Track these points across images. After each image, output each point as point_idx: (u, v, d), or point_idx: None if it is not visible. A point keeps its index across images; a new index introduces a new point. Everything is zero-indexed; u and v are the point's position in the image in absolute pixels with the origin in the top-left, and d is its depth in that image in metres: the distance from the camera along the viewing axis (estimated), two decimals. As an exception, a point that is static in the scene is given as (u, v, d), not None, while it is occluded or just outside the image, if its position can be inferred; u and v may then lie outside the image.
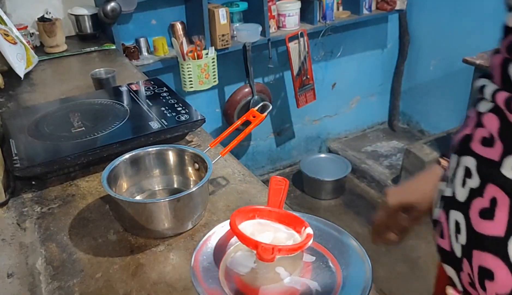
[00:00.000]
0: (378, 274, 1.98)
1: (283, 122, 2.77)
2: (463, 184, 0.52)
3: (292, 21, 2.29)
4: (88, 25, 1.82)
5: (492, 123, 0.49)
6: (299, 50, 2.37)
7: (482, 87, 0.51)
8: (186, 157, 0.82)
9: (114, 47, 1.77)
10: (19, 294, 0.64)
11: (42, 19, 1.68)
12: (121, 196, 0.73)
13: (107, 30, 1.86)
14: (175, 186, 0.85)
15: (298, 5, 2.28)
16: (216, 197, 0.83)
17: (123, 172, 0.80)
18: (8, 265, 0.70)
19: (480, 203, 0.49)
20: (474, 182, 0.50)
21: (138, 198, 0.82)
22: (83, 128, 0.98)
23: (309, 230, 0.59)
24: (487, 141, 0.49)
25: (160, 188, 0.85)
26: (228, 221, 0.60)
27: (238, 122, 0.80)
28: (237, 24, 2.21)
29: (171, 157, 0.83)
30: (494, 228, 0.48)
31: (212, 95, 2.41)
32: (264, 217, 0.63)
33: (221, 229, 0.63)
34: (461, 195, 0.52)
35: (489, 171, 0.49)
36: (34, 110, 1.09)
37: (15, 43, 1.41)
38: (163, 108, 1.05)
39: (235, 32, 2.18)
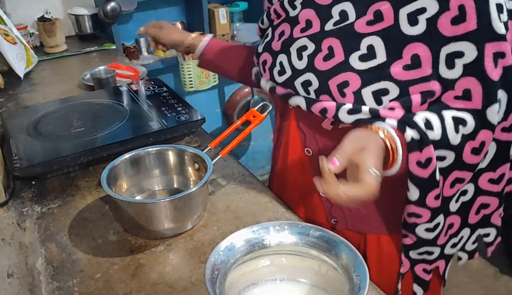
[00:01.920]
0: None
1: (283, 122, 2.76)
2: None
3: (292, 21, 2.28)
4: (88, 25, 1.82)
5: None
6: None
7: None
8: (186, 157, 0.82)
9: (114, 47, 1.77)
10: (19, 294, 0.64)
11: (42, 19, 1.68)
12: (121, 196, 0.73)
13: (107, 30, 1.86)
14: (175, 186, 0.84)
15: (298, 5, 2.27)
16: (216, 197, 0.83)
17: (123, 172, 0.80)
18: (8, 265, 0.69)
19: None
20: None
21: (138, 198, 0.82)
22: (83, 128, 0.98)
23: None
24: None
25: (160, 188, 0.85)
26: None
27: (238, 122, 0.80)
28: (237, 24, 2.21)
29: (171, 157, 0.83)
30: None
31: (212, 95, 2.41)
32: None
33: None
34: None
35: None
36: (34, 110, 1.09)
37: (15, 43, 1.41)
38: (163, 108, 1.05)
39: (235, 32, 2.18)
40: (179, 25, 2.08)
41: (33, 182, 0.89)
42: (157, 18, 2.09)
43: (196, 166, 0.81)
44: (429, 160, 0.62)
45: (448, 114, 0.62)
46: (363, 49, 0.64)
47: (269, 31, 0.78)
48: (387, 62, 0.63)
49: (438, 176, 0.64)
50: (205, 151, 0.78)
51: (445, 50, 0.60)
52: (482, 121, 0.62)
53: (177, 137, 1.01)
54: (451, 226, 0.73)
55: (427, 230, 0.69)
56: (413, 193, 0.65)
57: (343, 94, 0.65)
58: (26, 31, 1.70)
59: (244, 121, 0.82)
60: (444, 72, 0.62)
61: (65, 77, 1.46)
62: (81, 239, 0.74)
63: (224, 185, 0.87)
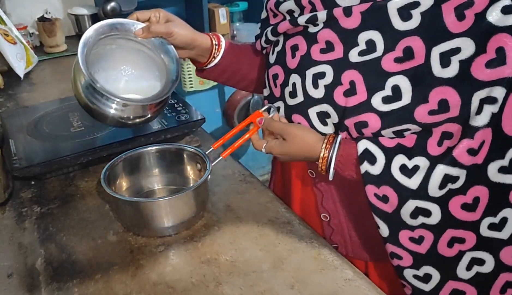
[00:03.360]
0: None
1: (283, 122, 2.76)
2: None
3: (292, 21, 2.28)
4: (88, 25, 1.81)
5: None
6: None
7: None
8: (185, 156, 0.82)
9: (114, 47, 1.76)
10: (19, 294, 0.64)
11: (41, 19, 1.68)
12: (120, 195, 0.73)
13: (107, 30, 1.86)
14: (175, 185, 0.84)
15: (298, 5, 2.27)
16: (216, 197, 0.83)
17: (122, 171, 0.80)
18: (7, 265, 0.69)
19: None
20: None
21: (137, 196, 0.82)
22: (83, 128, 0.97)
23: None
24: None
25: (160, 187, 0.84)
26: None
27: (242, 124, 0.78)
28: (237, 24, 2.21)
29: (171, 156, 0.83)
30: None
31: (212, 95, 2.41)
32: None
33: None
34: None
35: None
36: (33, 110, 1.09)
37: (14, 43, 1.41)
38: (163, 108, 1.04)
39: (235, 32, 2.17)
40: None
41: (33, 182, 0.89)
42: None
43: (198, 166, 0.80)
44: (386, 198, 0.61)
45: (441, 169, 0.58)
46: (387, 90, 0.59)
47: (280, 38, 0.72)
48: (411, 105, 0.58)
49: (406, 218, 0.61)
50: (208, 151, 0.78)
51: (478, 96, 0.56)
52: (478, 176, 0.59)
53: (177, 137, 1.00)
54: (461, 293, 0.66)
55: (417, 278, 0.65)
56: (383, 228, 0.63)
57: (360, 134, 0.63)
58: (26, 31, 1.69)
59: (249, 123, 0.80)
60: (472, 119, 0.57)
61: (65, 77, 1.46)
62: (80, 239, 0.74)
63: (225, 185, 0.87)
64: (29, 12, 1.78)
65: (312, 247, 0.71)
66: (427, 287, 0.66)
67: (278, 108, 0.74)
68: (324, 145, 0.65)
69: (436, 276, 0.65)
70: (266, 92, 0.78)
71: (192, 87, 2.06)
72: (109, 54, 0.79)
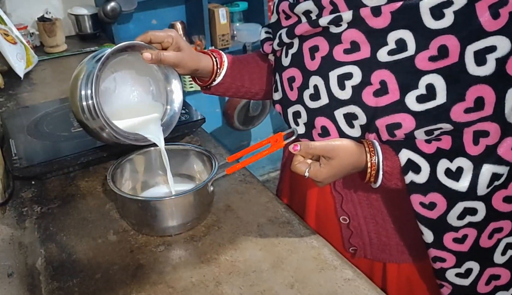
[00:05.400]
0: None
1: (283, 122, 2.76)
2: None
3: (292, 21, 2.28)
4: (88, 25, 1.81)
5: None
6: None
7: None
8: (192, 157, 0.83)
9: (114, 47, 1.76)
10: (19, 294, 0.64)
11: (42, 19, 1.68)
12: (127, 193, 0.74)
13: (107, 30, 1.86)
14: (181, 184, 0.84)
15: (298, 5, 2.27)
16: (216, 197, 0.83)
17: (129, 169, 0.81)
18: (8, 265, 0.69)
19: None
20: None
21: (143, 194, 0.83)
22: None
23: None
24: None
25: (165, 185, 0.84)
26: None
27: (262, 143, 0.74)
28: (237, 24, 2.21)
29: (178, 155, 0.83)
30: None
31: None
32: None
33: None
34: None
35: None
36: (33, 110, 1.09)
37: (15, 43, 1.41)
38: (163, 108, 1.04)
39: (235, 32, 2.18)
40: (179, 25, 2.08)
41: (33, 182, 0.89)
42: (158, 18, 2.10)
43: (201, 166, 0.81)
44: (433, 204, 0.61)
45: (488, 169, 0.59)
46: (421, 89, 0.59)
47: (295, 41, 0.70)
48: (447, 103, 0.58)
49: (453, 220, 0.62)
50: (221, 163, 0.78)
51: None
52: None
53: (177, 137, 1.00)
54: (496, 277, 0.69)
55: (459, 275, 0.66)
56: (427, 235, 0.64)
57: (392, 135, 0.62)
58: (26, 31, 1.69)
59: (267, 143, 0.74)
60: (510, 115, 0.58)
61: (65, 77, 1.46)
62: (81, 239, 0.74)
63: (225, 185, 0.87)
64: (29, 12, 1.78)
65: (312, 247, 0.71)
66: (467, 282, 0.67)
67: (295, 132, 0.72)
68: (368, 150, 0.63)
69: (476, 269, 0.66)
70: (277, 96, 0.76)
71: (192, 87, 2.06)
72: (114, 73, 0.79)
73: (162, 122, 0.79)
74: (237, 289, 0.63)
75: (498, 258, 0.67)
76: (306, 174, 0.64)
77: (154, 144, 0.77)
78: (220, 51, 0.82)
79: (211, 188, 0.75)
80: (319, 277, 0.65)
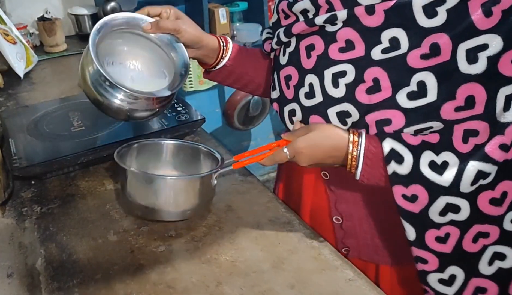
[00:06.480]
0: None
1: (283, 122, 2.76)
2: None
3: (292, 21, 2.28)
4: (88, 25, 1.81)
5: None
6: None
7: None
8: (201, 155, 0.83)
9: (114, 46, 1.76)
10: (19, 294, 0.64)
11: (41, 19, 1.68)
12: (134, 169, 0.76)
13: (107, 30, 1.86)
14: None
15: (298, 5, 2.27)
16: (217, 197, 0.82)
17: (134, 155, 0.81)
18: (8, 265, 0.69)
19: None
20: None
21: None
22: (83, 127, 0.97)
23: None
24: None
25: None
26: None
27: (271, 145, 0.72)
28: (237, 24, 2.21)
29: (184, 152, 0.83)
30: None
31: (212, 95, 2.41)
32: None
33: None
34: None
35: None
36: (33, 109, 1.09)
37: (14, 42, 1.40)
38: (163, 108, 1.04)
39: (235, 32, 2.17)
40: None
41: (33, 182, 0.89)
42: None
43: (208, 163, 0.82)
44: (415, 197, 0.60)
45: (473, 166, 0.58)
46: (413, 86, 0.59)
47: (292, 39, 0.71)
48: (437, 101, 0.58)
49: (435, 216, 0.61)
50: (228, 161, 0.78)
51: (504, 92, 0.57)
52: (507, 171, 0.59)
53: (177, 137, 1.00)
54: (483, 290, 0.66)
55: (442, 282, 0.65)
56: (409, 231, 0.63)
57: (381, 132, 0.62)
58: (26, 30, 1.69)
59: (276, 146, 0.72)
60: (501, 115, 0.57)
61: (65, 77, 1.46)
62: (81, 239, 0.74)
63: (225, 185, 0.87)
64: (29, 12, 1.77)
65: (312, 247, 0.71)
66: (451, 291, 0.66)
67: None
68: (351, 138, 0.63)
69: (460, 276, 0.65)
70: (275, 94, 0.77)
71: (192, 87, 2.06)
72: (117, 49, 0.79)
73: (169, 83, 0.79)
74: (237, 290, 0.63)
75: (485, 268, 0.65)
76: (285, 150, 0.66)
77: (163, 136, 0.78)
78: (227, 37, 0.82)
79: (215, 182, 0.75)
80: (319, 277, 0.65)
